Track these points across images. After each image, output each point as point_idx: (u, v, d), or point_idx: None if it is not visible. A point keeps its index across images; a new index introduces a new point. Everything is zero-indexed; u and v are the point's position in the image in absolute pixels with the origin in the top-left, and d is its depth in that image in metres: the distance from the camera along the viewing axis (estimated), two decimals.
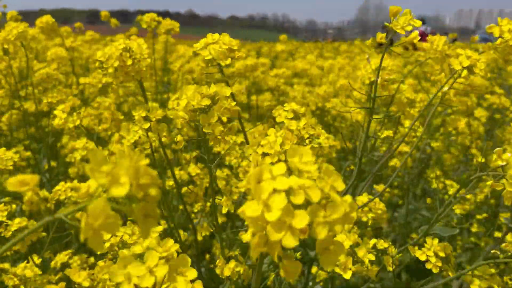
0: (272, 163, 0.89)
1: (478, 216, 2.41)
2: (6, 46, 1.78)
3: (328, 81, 3.57)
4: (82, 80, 2.57)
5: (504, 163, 1.04)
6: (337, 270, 0.96)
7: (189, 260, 0.77)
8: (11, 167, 1.44)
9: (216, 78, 1.16)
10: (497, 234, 2.25)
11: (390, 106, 1.59)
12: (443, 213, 1.38)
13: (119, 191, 0.48)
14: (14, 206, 1.47)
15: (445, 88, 1.30)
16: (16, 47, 1.82)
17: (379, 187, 2.08)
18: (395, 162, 2.42)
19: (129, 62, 1.13)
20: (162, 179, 2.19)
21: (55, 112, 1.42)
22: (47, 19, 2.31)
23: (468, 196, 2.11)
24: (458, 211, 2.25)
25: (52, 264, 1.57)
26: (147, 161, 0.51)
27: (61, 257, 1.59)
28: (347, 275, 0.95)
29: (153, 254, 0.73)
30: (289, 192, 0.50)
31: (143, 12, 4.18)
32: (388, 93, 1.44)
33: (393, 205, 2.73)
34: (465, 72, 1.24)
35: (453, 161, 2.74)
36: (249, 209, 0.51)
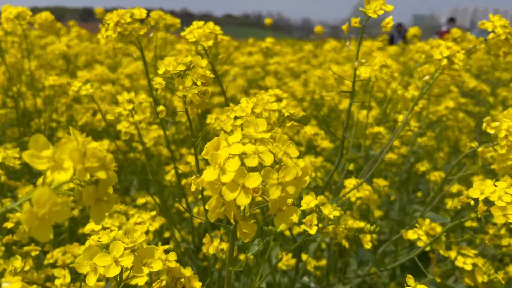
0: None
1: (472, 214, 2.43)
2: (6, 26, 1.81)
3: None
4: (80, 74, 2.56)
5: (493, 131, 1.08)
6: (303, 227, 1.03)
7: (156, 250, 0.78)
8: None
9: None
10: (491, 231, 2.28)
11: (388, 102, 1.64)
12: (434, 199, 1.44)
13: (62, 176, 0.46)
14: (8, 203, 1.48)
15: (426, 77, 1.37)
16: (15, 40, 1.84)
17: (379, 181, 2.12)
18: (390, 156, 2.46)
19: (128, 19, 1.29)
20: (159, 175, 2.20)
21: (72, 83, 1.58)
22: (46, 15, 2.30)
23: (456, 187, 2.16)
24: (448, 206, 2.28)
25: (48, 258, 1.58)
26: (96, 144, 0.50)
27: (56, 254, 1.59)
28: (313, 231, 1.01)
29: (119, 245, 0.74)
30: (243, 157, 0.55)
31: None
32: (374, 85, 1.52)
33: (386, 200, 2.76)
34: (445, 61, 1.30)
35: (445, 158, 2.78)
36: (207, 175, 0.55)
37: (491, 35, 1.32)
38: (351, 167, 2.00)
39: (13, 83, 2.36)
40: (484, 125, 1.11)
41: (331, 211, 1.05)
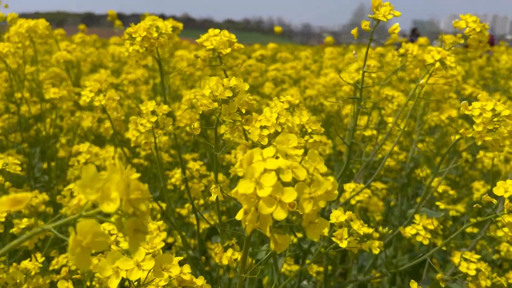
0: (270, 134, 0.98)
1: (472, 220, 2.45)
2: (17, 40, 1.81)
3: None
4: (87, 83, 2.58)
5: (469, 113, 1.18)
6: (334, 239, 1.05)
7: (173, 257, 0.81)
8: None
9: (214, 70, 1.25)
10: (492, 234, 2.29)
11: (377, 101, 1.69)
12: (427, 195, 1.51)
13: (110, 208, 0.47)
14: None
15: (421, 81, 1.42)
16: (24, 47, 1.85)
17: (377, 184, 2.13)
18: (388, 161, 2.48)
19: (155, 34, 1.28)
20: (163, 179, 2.22)
21: (83, 92, 1.54)
22: (43, 23, 2.31)
23: (451, 192, 2.18)
24: (451, 212, 2.29)
25: (53, 265, 1.59)
26: (137, 175, 0.51)
27: (60, 260, 1.61)
28: (343, 244, 1.03)
29: (141, 250, 0.77)
30: (278, 171, 0.57)
31: (138, 15, 4.21)
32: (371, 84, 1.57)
33: (386, 205, 2.78)
34: (438, 64, 1.38)
35: (444, 163, 2.80)
36: (242, 187, 0.56)
37: (467, 29, 1.44)
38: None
39: (15, 89, 2.39)
40: (461, 108, 1.20)
41: (360, 227, 1.07)
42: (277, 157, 0.59)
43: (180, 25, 2.76)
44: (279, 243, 0.61)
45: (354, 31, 1.31)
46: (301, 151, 0.60)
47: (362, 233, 1.06)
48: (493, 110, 1.15)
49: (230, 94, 1.01)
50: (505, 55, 3.98)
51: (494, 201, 1.13)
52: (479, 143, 1.18)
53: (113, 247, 0.90)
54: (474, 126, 1.17)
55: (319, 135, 1.08)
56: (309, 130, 1.08)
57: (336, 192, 0.60)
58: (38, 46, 2.41)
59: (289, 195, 0.55)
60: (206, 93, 1.02)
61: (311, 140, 1.07)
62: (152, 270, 0.77)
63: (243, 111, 1.01)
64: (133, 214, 0.50)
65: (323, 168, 0.60)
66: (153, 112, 1.24)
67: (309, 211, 0.56)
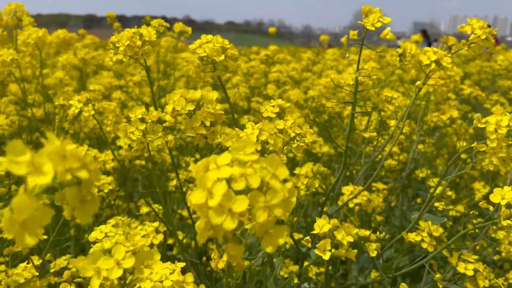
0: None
1: (474, 221, 2.45)
2: (24, 49, 1.81)
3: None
4: (92, 87, 2.60)
5: (483, 126, 1.14)
6: (316, 252, 1.01)
7: (156, 254, 0.80)
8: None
9: (211, 76, 1.24)
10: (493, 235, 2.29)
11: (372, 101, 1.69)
12: (431, 200, 1.48)
13: (43, 180, 0.44)
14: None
15: (418, 82, 1.41)
16: (31, 54, 1.85)
17: (378, 185, 2.14)
18: (389, 161, 2.48)
19: (138, 42, 1.24)
20: (162, 182, 2.23)
21: (71, 102, 1.52)
22: (64, 34, 2.31)
23: (450, 193, 2.18)
24: (451, 213, 2.30)
25: (52, 267, 1.59)
26: (74, 145, 0.49)
27: (60, 261, 1.61)
28: (326, 256, 1.00)
29: (120, 248, 0.76)
30: (231, 180, 0.54)
31: (140, 18, 4.23)
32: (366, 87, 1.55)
33: (387, 206, 2.78)
34: (433, 65, 1.36)
35: (444, 164, 2.81)
36: (195, 197, 0.54)
37: (472, 36, 1.40)
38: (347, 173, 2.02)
39: (27, 93, 2.39)
40: (475, 121, 1.17)
41: (344, 237, 1.03)
42: (232, 166, 0.56)
43: (189, 29, 2.74)
44: (231, 254, 0.59)
45: (343, 39, 1.29)
46: (256, 156, 0.56)
47: (346, 243, 1.02)
48: (508, 126, 1.10)
49: (192, 108, 0.98)
50: (502, 55, 3.98)
51: (491, 208, 1.12)
52: (493, 158, 1.15)
53: (96, 249, 0.88)
54: (488, 142, 1.13)
55: (305, 138, 1.04)
56: (292, 135, 1.03)
57: (294, 199, 0.56)
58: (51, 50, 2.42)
59: (240, 204, 0.52)
60: (168, 109, 0.99)
61: (294, 145, 1.03)
62: (133, 268, 0.76)
63: (207, 123, 0.98)
64: (75, 183, 0.47)
65: (283, 174, 0.56)
66: (142, 120, 1.19)
67: (263, 221, 0.53)
